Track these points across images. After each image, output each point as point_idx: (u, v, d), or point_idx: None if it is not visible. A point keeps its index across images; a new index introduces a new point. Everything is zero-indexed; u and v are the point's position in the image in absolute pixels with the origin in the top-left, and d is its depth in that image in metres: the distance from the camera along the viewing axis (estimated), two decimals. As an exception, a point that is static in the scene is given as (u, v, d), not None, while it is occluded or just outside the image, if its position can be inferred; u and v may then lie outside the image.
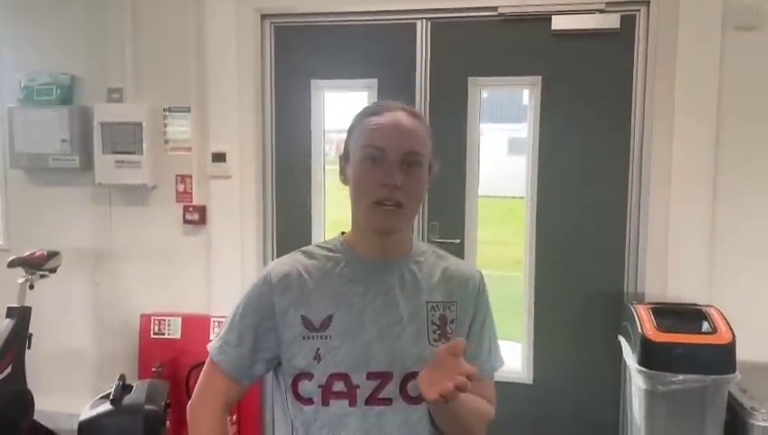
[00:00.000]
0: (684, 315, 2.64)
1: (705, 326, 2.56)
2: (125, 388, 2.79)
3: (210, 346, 1.31)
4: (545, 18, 3.02)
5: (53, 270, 3.12)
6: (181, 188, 3.39)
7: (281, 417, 1.31)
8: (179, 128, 3.38)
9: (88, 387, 3.37)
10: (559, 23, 3.01)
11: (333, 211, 3.34)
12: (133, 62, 3.37)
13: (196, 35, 3.29)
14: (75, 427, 2.69)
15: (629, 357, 2.64)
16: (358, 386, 1.21)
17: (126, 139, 3.34)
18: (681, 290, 2.86)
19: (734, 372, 2.42)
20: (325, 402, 1.21)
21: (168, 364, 3.28)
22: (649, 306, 2.69)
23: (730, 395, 2.50)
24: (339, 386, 1.21)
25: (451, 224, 3.20)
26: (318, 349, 1.22)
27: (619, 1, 2.95)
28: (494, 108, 9.98)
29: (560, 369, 3.16)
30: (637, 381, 2.55)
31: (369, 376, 1.21)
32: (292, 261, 1.30)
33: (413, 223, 1.32)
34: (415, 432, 1.24)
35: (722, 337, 2.47)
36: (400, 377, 1.22)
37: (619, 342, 2.81)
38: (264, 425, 3.37)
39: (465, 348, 1.12)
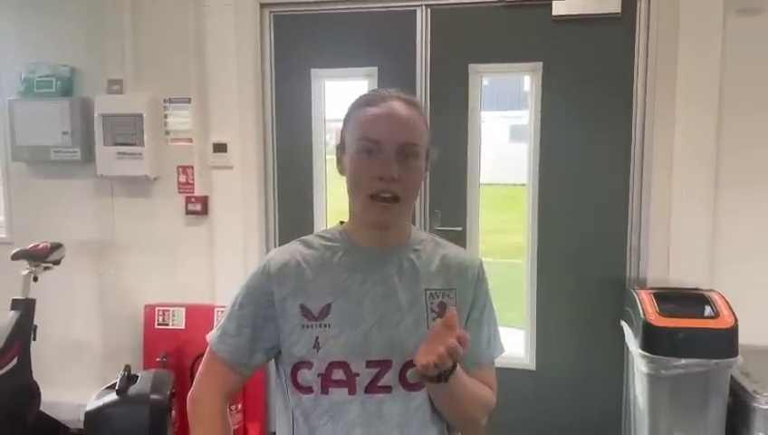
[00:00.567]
0: (686, 300, 2.65)
1: (708, 311, 2.56)
2: (130, 378, 2.81)
3: (210, 336, 1.32)
4: (546, 4, 3.00)
5: (57, 262, 3.13)
6: (183, 179, 3.40)
7: (281, 406, 1.31)
8: (180, 119, 3.38)
9: (93, 378, 3.39)
10: (559, 8, 2.99)
11: (335, 200, 3.34)
12: (133, 53, 3.36)
13: (195, 25, 3.28)
14: (81, 417, 2.72)
15: (632, 342, 2.64)
16: (357, 374, 1.21)
17: (127, 130, 3.33)
18: (683, 275, 2.86)
19: (736, 355, 2.43)
20: (324, 391, 1.22)
21: (173, 354, 3.30)
22: (651, 291, 2.70)
23: (732, 379, 2.51)
24: (338, 374, 1.21)
25: (453, 212, 3.20)
26: (317, 337, 1.22)
27: (619, -15, 2.93)
28: (496, 95, 9.94)
29: (562, 355, 3.16)
30: (639, 365, 2.56)
31: (369, 364, 1.22)
32: (291, 250, 1.30)
33: (412, 212, 1.31)
34: (415, 419, 1.24)
35: (724, 321, 2.47)
36: (400, 365, 1.22)
37: (622, 327, 2.81)
38: (268, 413, 3.38)
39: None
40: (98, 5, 3.38)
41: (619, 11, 2.93)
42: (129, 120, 3.33)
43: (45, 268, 3.08)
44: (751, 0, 2.76)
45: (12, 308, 2.97)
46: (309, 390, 1.23)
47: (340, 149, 1.29)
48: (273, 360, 1.31)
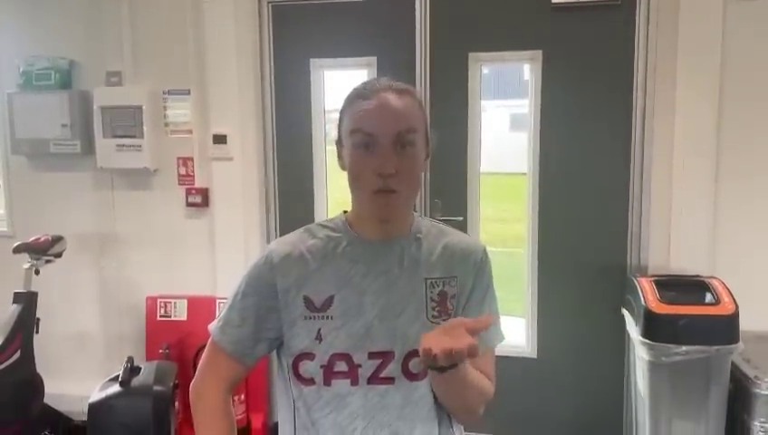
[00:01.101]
0: (687, 287, 2.64)
1: (709, 297, 2.56)
2: (133, 370, 2.82)
3: (211, 326, 1.32)
4: (545, -9, 2.99)
5: (59, 255, 3.13)
6: (183, 170, 3.39)
7: (283, 397, 1.31)
8: (179, 110, 3.37)
9: (96, 370, 3.40)
10: (559, -5, 2.97)
11: (336, 190, 3.34)
12: (131, 44, 3.35)
13: (193, 16, 3.26)
14: (85, 409, 2.73)
15: (633, 329, 2.65)
16: (360, 366, 1.22)
17: (126, 122, 3.33)
18: (684, 262, 2.86)
19: (737, 342, 2.43)
20: (327, 382, 1.22)
21: (175, 346, 3.31)
22: (652, 279, 2.70)
23: (733, 365, 2.51)
24: (341, 366, 1.22)
25: (453, 201, 3.19)
26: (319, 329, 1.22)
27: (619, -29, 2.91)
28: (496, 84, 9.91)
29: (563, 343, 3.17)
30: (640, 353, 2.56)
31: (371, 356, 1.22)
32: (294, 241, 1.30)
33: (415, 201, 1.31)
34: (417, 410, 1.24)
35: (725, 308, 2.48)
36: (402, 356, 1.22)
37: (623, 314, 2.82)
38: (271, 404, 3.40)
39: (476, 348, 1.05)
40: (95, -3, 3.37)
41: (619, -2, 2.92)
42: (129, 111, 3.32)
43: (47, 261, 3.08)
44: (751, -14, 2.75)
45: (14, 301, 2.97)
46: (311, 381, 1.23)
47: (339, 144, 1.29)
48: (274, 351, 1.31)
